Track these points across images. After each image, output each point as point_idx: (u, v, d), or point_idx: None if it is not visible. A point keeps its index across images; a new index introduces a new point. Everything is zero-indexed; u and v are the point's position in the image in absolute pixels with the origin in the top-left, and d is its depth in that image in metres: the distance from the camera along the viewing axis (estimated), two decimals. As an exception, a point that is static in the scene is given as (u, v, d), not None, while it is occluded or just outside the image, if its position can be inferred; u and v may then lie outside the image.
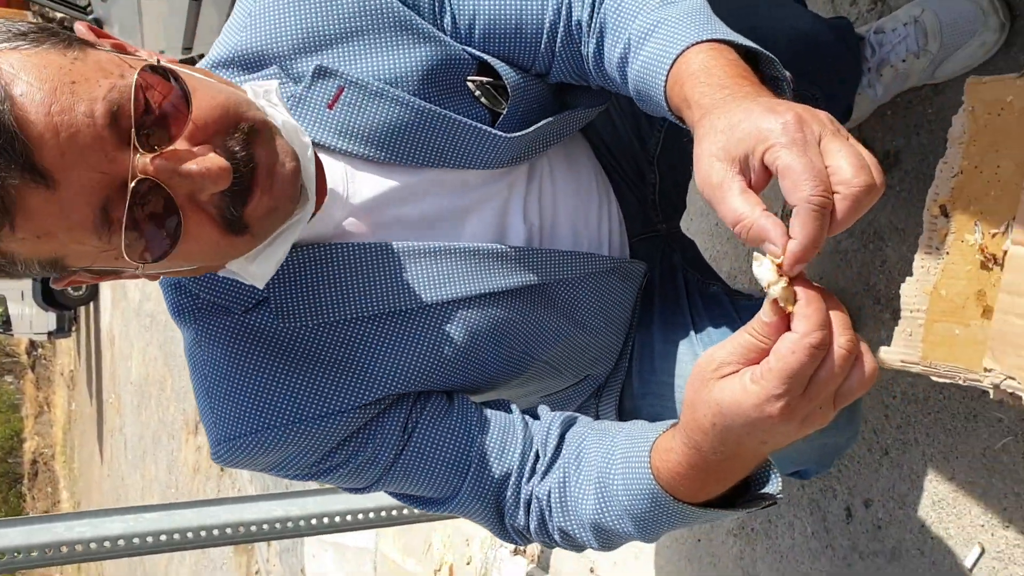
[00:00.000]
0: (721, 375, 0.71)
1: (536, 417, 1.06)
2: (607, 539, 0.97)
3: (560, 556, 2.32)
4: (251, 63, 0.96)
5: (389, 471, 1.00)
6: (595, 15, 0.96)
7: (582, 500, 0.95)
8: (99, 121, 0.72)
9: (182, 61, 0.87)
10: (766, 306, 0.69)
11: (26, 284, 16.43)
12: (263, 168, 0.80)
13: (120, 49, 0.81)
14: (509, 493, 1.02)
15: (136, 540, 1.87)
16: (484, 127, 1.00)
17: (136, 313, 12.53)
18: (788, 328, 0.68)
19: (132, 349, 12.88)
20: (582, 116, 1.12)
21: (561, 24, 0.99)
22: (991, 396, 0.94)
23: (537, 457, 1.01)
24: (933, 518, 1.43)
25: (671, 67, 0.80)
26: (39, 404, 26.33)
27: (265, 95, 0.88)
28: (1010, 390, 0.91)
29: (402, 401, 1.00)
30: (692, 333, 1.20)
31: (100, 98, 0.72)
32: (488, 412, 1.03)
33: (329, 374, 0.96)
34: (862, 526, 1.54)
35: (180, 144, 0.76)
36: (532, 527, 1.02)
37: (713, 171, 0.69)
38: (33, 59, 0.72)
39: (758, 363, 0.70)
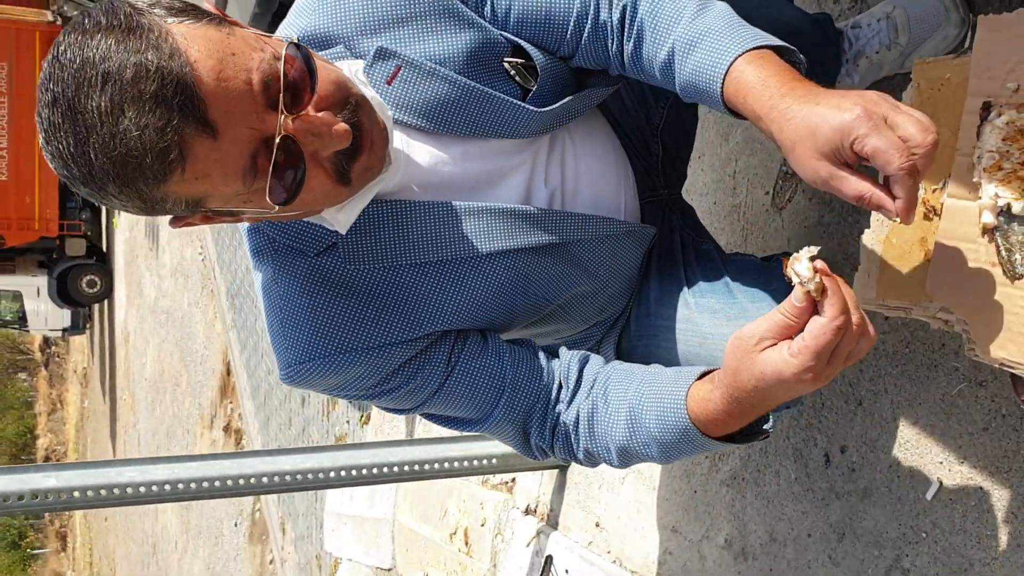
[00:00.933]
0: (762, 348, 0.93)
1: (555, 355, 1.26)
2: (627, 459, 1.17)
3: (568, 513, 2.50)
4: (319, 42, 1.11)
5: (435, 395, 1.18)
6: (630, 21, 1.13)
7: (612, 427, 1.15)
8: (256, 88, 0.88)
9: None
10: (798, 293, 0.90)
11: (42, 281, 16.67)
12: (367, 133, 0.99)
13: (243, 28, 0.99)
14: (536, 416, 1.22)
15: (180, 485, 2.06)
16: (519, 102, 1.17)
17: (152, 309, 12.74)
18: (813, 311, 0.90)
19: (147, 345, 13.09)
20: (599, 94, 1.29)
21: (588, 21, 1.17)
22: (932, 326, 1.11)
23: (560, 387, 1.22)
24: (899, 459, 1.60)
25: (724, 77, 0.99)
26: (52, 401, 26.61)
27: (356, 74, 1.05)
28: (945, 319, 1.08)
29: (446, 337, 1.18)
30: (684, 284, 1.38)
31: (255, 68, 0.88)
32: (516, 348, 1.23)
33: (387, 311, 1.14)
34: (838, 470, 1.72)
35: (310, 110, 0.93)
36: (556, 446, 1.22)
37: (820, 169, 0.92)
38: (198, 31, 0.87)
39: (790, 338, 0.92)
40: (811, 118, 0.92)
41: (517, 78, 1.18)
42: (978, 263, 1.03)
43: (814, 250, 0.90)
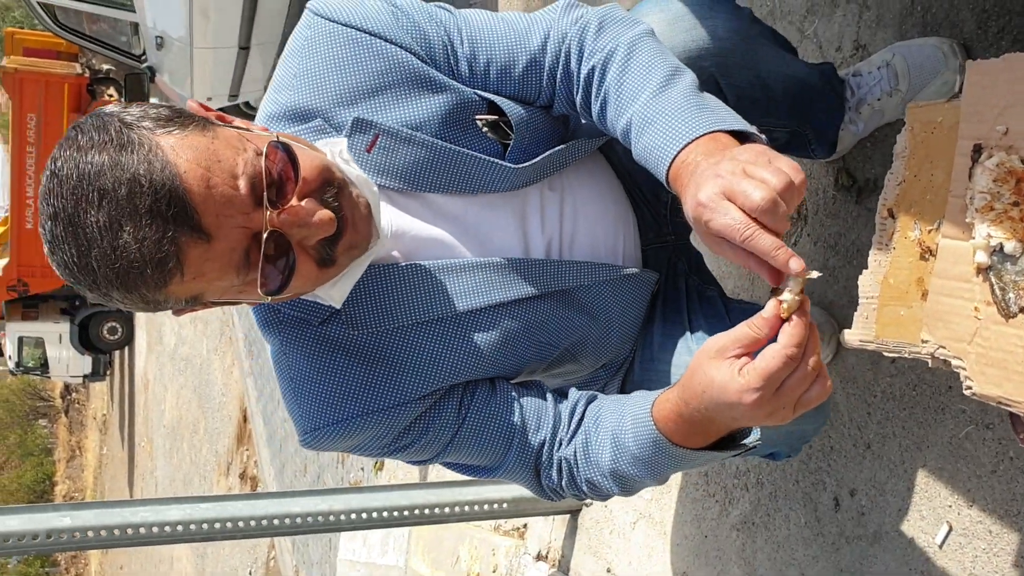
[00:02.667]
0: (722, 357, 0.94)
1: (565, 395, 1.28)
2: (624, 484, 1.19)
3: (579, 559, 2.49)
4: (298, 116, 1.16)
5: (447, 447, 1.22)
6: (597, 85, 1.16)
7: (601, 453, 1.17)
8: (243, 190, 0.94)
9: (227, 108, 1.10)
10: (771, 305, 0.91)
11: (64, 328, 16.81)
12: (348, 215, 1.03)
13: (223, 120, 1.03)
14: (544, 458, 1.24)
15: (192, 526, 2.07)
16: (494, 160, 1.20)
17: (171, 357, 12.83)
18: (778, 332, 0.90)
19: (166, 392, 13.16)
20: (584, 146, 1.31)
21: (560, 68, 1.21)
22: (929, 364, 1.12)
23: (565, 427, 1.24)
24: (909, 502, 1.60)
25: (670, 165, 1.01)
26: (71, 448, 26.68)
27: (340, 154, 1.11)
28: (943, 357, 1.09)
29: (454, 390, 1.21)
30: (687, 329, 1.40)
31: (240, 173, 0.94)
32: (524, 393, 1.25)
33: (394, 372, 1.17)
34: (848, 514, 1.72)
35: (294, 201, 0.98)
36: (563, 483, 1.24)
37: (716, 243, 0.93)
38: (185, 141, 0.93)
39: (751, 352, 0.93)
40: (689, 191, 0.94)
41: (490, 134, 1.20)
42: (973, 302, 1.05)
43: (815, 275, 0.90)
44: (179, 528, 2.06)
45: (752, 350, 0.93)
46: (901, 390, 1.63)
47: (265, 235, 0.95)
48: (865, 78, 1.64)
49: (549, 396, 1.27)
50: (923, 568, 1.56)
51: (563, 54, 1.20)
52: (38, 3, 6.68)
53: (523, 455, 1.23)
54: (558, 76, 1.21)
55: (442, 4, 1.24)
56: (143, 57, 6.22)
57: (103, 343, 17.13)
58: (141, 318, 16.51)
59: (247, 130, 1.03)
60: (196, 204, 0.90)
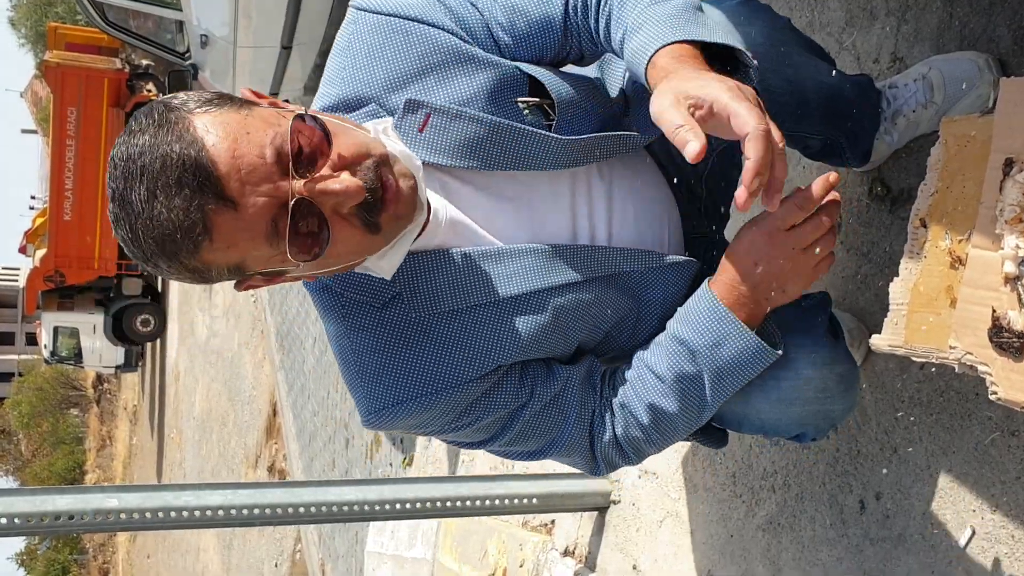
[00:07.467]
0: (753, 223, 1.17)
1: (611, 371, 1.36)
2: (658, 420, 1.28)
3: (606, 556, 2.53)
4: (352, 105, 1.22)
5: (507, 428, 1.27)
6: (603, 2, 1.23)
7: (647, 360, 1.29)
8: (269, 160, 0.99)
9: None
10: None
11: (98, 319, 17.10)
12: (391, 188, 1.07)
13: (275, 105, 1.10)
14: (596, 424, 1.31)
15: (233, 511, 2.14)
16: (544, 132, 1.23)
17: (203, 349, 13.00)
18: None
19: (197, 384, 13.33)
20: (636, 140, 1.34)
21: (579, 3, 1.26)
22: (956, 370, 1.16)
23: (608, 381, 1.33)
24: (933, 506, 1.63)
25: (648, 62, 1.10)
26: (102, 437, 27.06)
27: (384, 132, 1.16)
28: (969, 363, 1.13)
29: (511, 371, 1.26)
30: None
31: (268, 143, 0.99)
32: (579, 370, 1.31)
33: (454, 353, 1.22)
34: (873, 516, 1.75)
35: (325, 171, 1.03)
36: (611, 442, 1.32)
37: (666, 100, 1.01)
38: (219, 118, 1.00)
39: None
40: (690, 73, 1.03)
41: (530, 116, 1.24)
42: (1001, 310, 1.08)
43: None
44: (220, 512, 2.13)
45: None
46: (928, 396, 1.66)
47: (291, 203, 0.99)
48: (901, 90, 1.67)
49: (598, 367, 1.34)
50: (946, 571, 1.59)
51: None
52: (89, 1, 6.83)
53: (580, 426, 1.30)
54: (578, 11, 1.26)
55: None
56: (187, 55, 6.34)
57: (136, 334, 17.40)
58: (174, 310, 16.73)
59: (293, 110, 1.08)
60: (221, 173, 0.96)
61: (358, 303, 1.23)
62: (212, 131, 0.98)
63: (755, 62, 1.11)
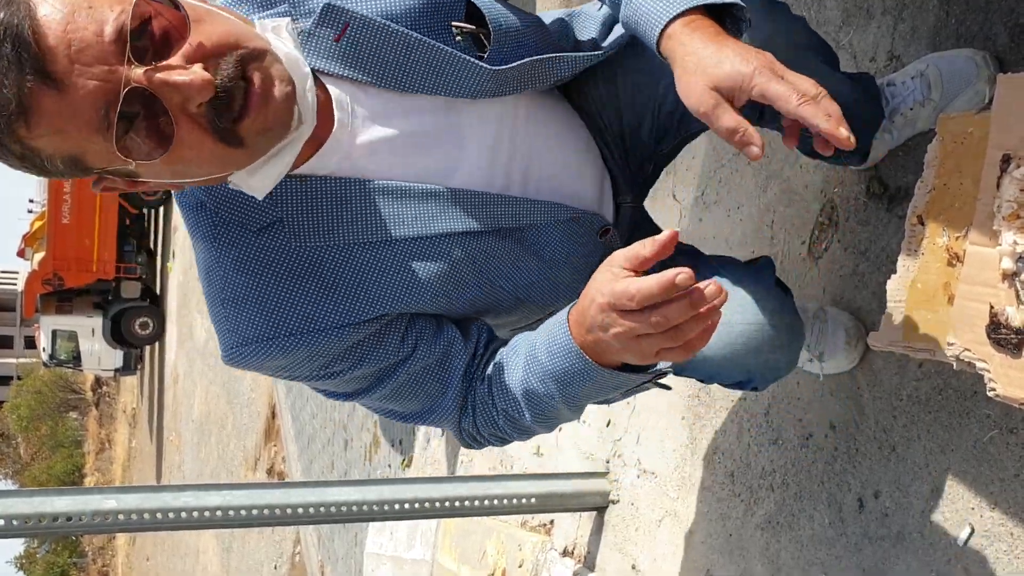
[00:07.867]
0: (611, 265, 0.95)
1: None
2: (538, 408, 1.14)
3: (605, 555, 2.53)
4: (263, 3, 1.09)
5: (381, 382, 1.17)
6: None
7: (513, 372, 1.15)
8: (107, 38, 0.86)
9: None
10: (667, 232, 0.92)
11: (97, 322, 17.12)
12: (257, 89, 0.93)
13: None
14: (467, 397, 1.22)
15: (231, 512, 2.14)
16: (471, 59, 1.14)
17: (201, 353, 13.01)
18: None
19: (195, 387, 13.34)
20: (568, 62, 1.25)
21: None
22: (954, 367, 1.16)
23: (480, 356, 1.23)
24: (931, 505, 1.63)
25: (661, 33, 1.02)
26: (101, 440, 27.05)
27: (274, 30, 1.02)
28: (967, 360, 1.13)
29: (396, 323, 1.17)
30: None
31: (110, 20, 0.86)
32: (465, 340, 1.22)
33: (334, 292, 1.11)
34: (872, 515, 1.75)
35: (175, 60, 0.89)
36: (479, 422, 1.22)
37: (709, 97, 0.97)
38: None
39: (639, 272, 0.92)
40: (718, 55, 0.97)
41: (462, 43, 1.16)
42: (999, 306, 1.09)
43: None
44: (218, 513, 2.13)
45: (641, 269, 0.92)
46: (927, 394, 1.66)
47: (123, 91, 0.87)
48: (899, 88, 1.67)
49: (484, 335, 1.25)
50: (945, 569, 1.59)
51: None
52: None
53: (458, 397, 1.21)
54: None
55: None
56: None
57: (134, 338, 17.43)
58: (172, 313, 16.71)
59: None
60: (46, 48, 0.85)
61: (232, 223, 1.10)
62: (49, 2, 0.86)
63: (749, 16, 1.06)
